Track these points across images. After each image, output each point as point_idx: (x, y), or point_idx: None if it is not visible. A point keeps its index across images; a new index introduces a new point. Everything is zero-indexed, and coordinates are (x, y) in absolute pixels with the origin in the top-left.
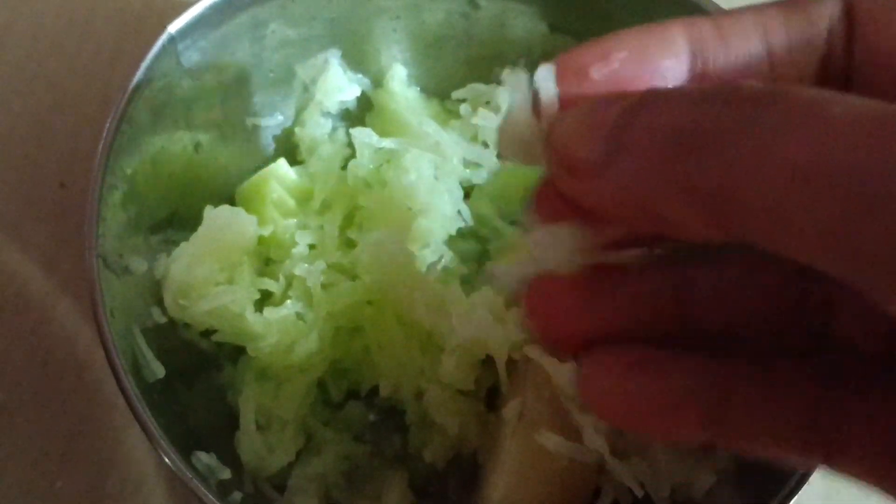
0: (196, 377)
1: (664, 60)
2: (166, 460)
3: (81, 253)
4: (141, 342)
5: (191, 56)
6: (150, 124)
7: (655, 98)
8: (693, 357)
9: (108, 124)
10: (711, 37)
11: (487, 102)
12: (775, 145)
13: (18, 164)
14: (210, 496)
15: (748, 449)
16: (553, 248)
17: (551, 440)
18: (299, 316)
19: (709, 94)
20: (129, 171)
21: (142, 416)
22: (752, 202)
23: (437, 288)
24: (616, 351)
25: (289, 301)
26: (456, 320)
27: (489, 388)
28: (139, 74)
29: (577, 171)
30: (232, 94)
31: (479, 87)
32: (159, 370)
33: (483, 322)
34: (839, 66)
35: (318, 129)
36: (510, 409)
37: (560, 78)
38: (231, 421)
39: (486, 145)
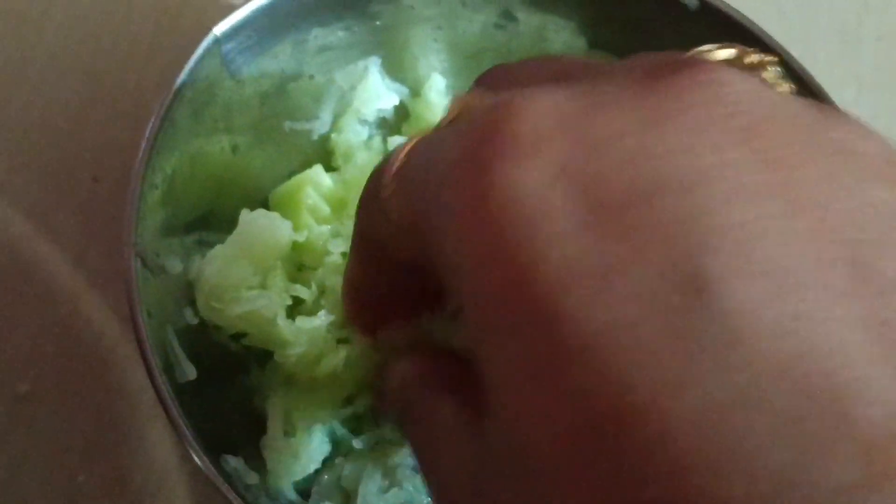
0: (224, 380)
1: None
2: (198, 462)
3: (111, 248)
4: (174, 342)
5: (234, 58)
6: (191, 125)
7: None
8: None
9: (150, 123)
10: None
11: None
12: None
13: (51, 155)
14: (240, 500)
15: None
16: None
17: None
18: (329, 329)
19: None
20: (168, 171)
21: (174, 416)
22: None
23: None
24: None
25: (322, 312)
26: None
27: None
28: (183, 75)
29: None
30: (271, 97)
31: None
32: (191, 371)
33: None
34: None
35: (354, 136)
36: None
37: None
38: (257, 425)
39: None
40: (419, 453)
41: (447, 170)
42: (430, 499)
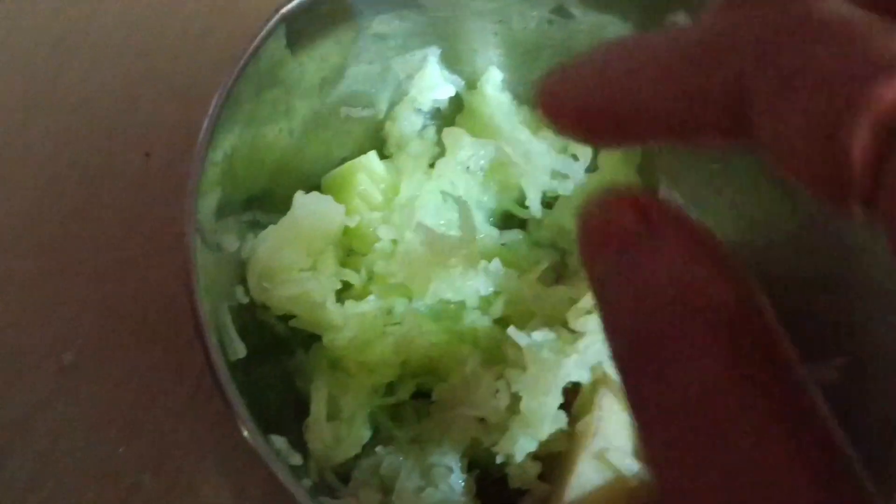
0: (268, 360)
1: None
2: (250, 440)
3: (160, 224)
4: (227, 320)
5: (298, 40)
6: (253, 104)
7: None
8: None
9: (215, 98)
10: None
11: None
12: None
13: (105, 131)
14: (290, 479)
15: None
16: None
17: (623, 460)
18: (377, 314)
19: None
20: (228, 149)
21: (229, 393)
22: None
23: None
24: None
25: (370, 297)
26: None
27: None
28: (249, 53)
29: None
30: (330, 82)
31: None
32: (241, 350)
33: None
34: None
35: (409, 125)
36: (584, 425)
37: None
38: (299, 407)
39: (575, 158)
40: None
41: None
42: (464, 499)
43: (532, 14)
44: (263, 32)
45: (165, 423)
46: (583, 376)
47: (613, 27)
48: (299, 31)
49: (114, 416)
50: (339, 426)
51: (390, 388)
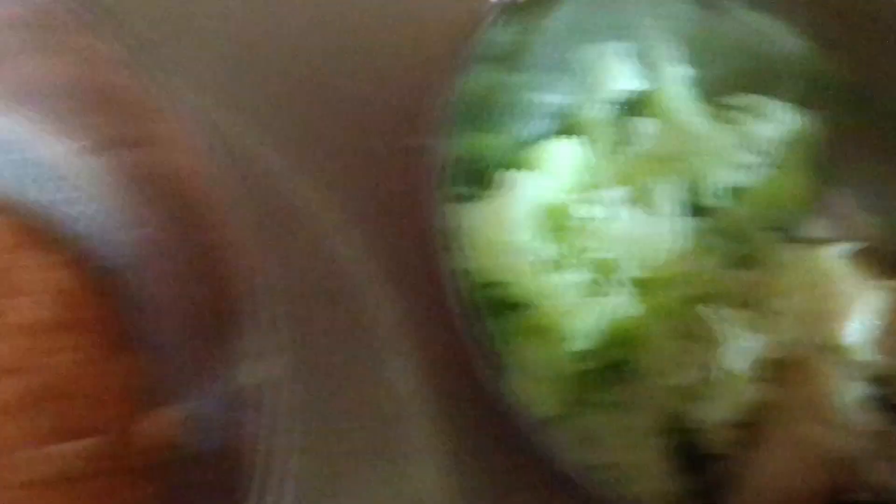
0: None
1: None
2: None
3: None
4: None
5: (504, 28)
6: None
7: None
8: None
9: (452, 80)
10: None
11: (759, 114)
12: None
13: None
14: (530, 425)
15: None
16: None
17: (820, 435)
18: (579, 286)
19: None
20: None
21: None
22: None
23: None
24: None
25: (573, 270)
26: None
27: None
28: (473, 43)
29: None
30: (529, 66)
31: (752, 97)
32: None
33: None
34: None
35: (597, 113)
36: (780, 399)
37: None
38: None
39: (756, 152)
40: None
41: None
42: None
43: (713, 17)
44: (486, 24)
45: (370, 378)
46: (776, 352)
47: (775, 29)
48: (507, 21)
49: (322, 367)
50: (541, 387)
51: (589, 355)
